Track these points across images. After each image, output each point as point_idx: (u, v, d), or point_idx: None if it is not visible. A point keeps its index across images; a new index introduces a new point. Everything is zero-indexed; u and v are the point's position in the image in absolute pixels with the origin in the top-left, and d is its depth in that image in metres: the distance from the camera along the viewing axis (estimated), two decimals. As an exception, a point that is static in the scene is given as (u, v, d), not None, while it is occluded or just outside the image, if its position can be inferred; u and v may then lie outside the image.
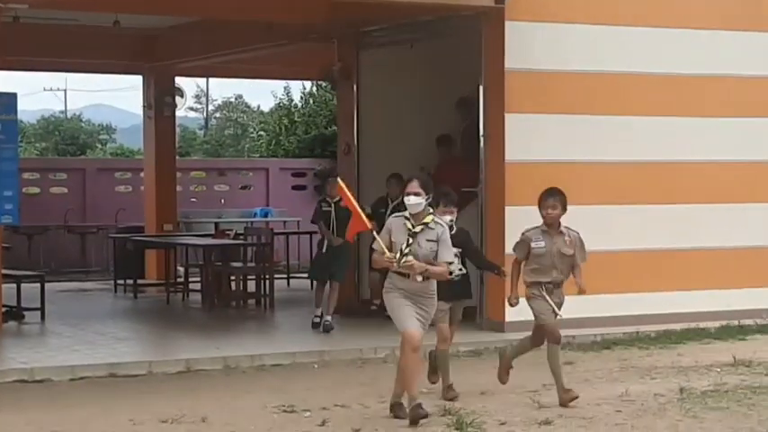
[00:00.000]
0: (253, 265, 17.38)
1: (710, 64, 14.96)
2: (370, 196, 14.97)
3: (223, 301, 16.66)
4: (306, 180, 23.97)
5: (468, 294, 10.69)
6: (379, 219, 13.77)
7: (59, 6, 14.66)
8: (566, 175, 13.60)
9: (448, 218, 9.96)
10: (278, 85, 31.51)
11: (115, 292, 18.66)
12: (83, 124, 53.43)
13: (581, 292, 10.08)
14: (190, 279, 17.89)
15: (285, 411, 9.64)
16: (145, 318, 16.49)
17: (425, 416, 9.08)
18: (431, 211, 9.39)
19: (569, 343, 13.07)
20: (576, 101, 14.26)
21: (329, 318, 14.07)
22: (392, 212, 13.79)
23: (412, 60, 16.04)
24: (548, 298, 10.02)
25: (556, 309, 10.05)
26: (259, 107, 50.99)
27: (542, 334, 10.19)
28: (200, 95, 60.18)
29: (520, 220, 13.33)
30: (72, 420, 9.41)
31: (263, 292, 16.56)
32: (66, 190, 23.05)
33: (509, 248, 13.57)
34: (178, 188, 21.42)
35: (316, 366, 12.06)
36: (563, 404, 9.81)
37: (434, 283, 9.34)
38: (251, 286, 16.99)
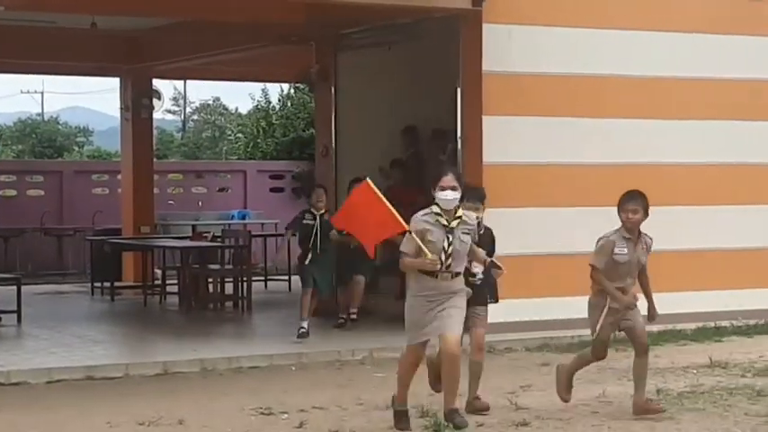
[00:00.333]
0: (230, 267, 17.35)
1: (688, 67, 15.00)
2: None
3: (200, 304, 16.63)
4: (284, 182, 23.97)
5: (486, 298, 9.99)
6: (307, 228, 13.72)
7: (36, 8, 14.61)
8: (543, 178, 13.66)
9: (474, 215, 9.40)
10: (256, 88, 31.49)
11: (92, 294, 18.60)
12: (60, 126, 53.31)
13: (650, 318, 9.65)
14: (167, 281, 17.85)
15: (262, 413, 9.63)
16: (122, 320, 16.44)
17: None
18: (458, 204, 8.93)
19: (547, 344, 13.11)
20: (554, 103, 14.29)
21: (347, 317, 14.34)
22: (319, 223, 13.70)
23: (390, 62, 16.05)
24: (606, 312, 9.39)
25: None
26: (237, 109, 50.96)
27: (604, 351, 9.70)
28: (178, 98, 60.04)
29: (497, 222, 13.38)
30: (49, 423, 9.37)
31: (240, 295, 16.52)
32: (42, 192, 23.00)
33: (486, 250, 13.67)
34: (155, 190, 21.38)
35: (293, 368, 12.05)
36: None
37: (462, 279, 8.94)
38: (228, 288, 16.96)
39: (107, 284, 18.22)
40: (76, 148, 49.35)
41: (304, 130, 26.02)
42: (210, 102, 57.68)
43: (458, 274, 8.82)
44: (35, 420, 9.42)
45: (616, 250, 9.31)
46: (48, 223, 22.09)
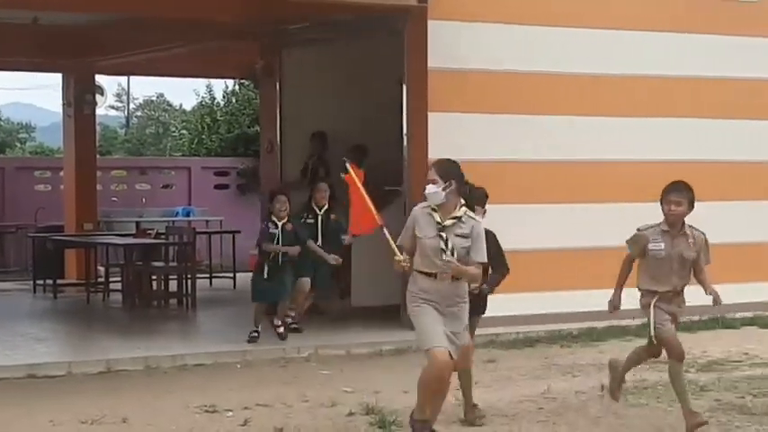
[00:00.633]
0: (174, 264, 17.24)
1: (634, 64, 15.10)
2: (294, 196, 14.89)
3: (144, 301, 16.50)
4: (229, 179, 23.84)
5: (484, 308, 9.52)
6: (309, 227, 13.46)
7: (-24, 3, 14.43)
8: (489, 174, 13.57)
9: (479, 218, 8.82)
10: (200, 84, 31.32)
11: (34, 292, 18.40)
12: (1, 123, 52.67)
13: (715, 302, 8.78)
14: (110, 279, 17.69)
15: (207, 411, 9.57)
16: (65, 318, 16.27)
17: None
18: (463, 202, 8.18)
19: (492, 341, 13.13)
20: (499, 100, 14.32)
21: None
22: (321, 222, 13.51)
23: (335, 58, 16.01)
24: (659, 310, 8.80)
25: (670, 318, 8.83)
26: (181, 106, 50.67)
27: (659, 347, 8.99)
28: (122, 94, 59.61)
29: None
30: (-11, 422, 9.27)
31: (184, 292, 16.43)
32: (-16, 189, 22.72)
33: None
34: (99, 187, 21.19)
35: (238, 366, 11.98)
36: (690, 430, 8.69)
37: (466, 285, 8.22)
38: (172, 286, 16.85)
39: (49, 282, 18.04)
40: (19, 145, 48.81)
41: (249, 127, 25.89)
42: (154, 98, 57.33)
43: (456, 276, 8.08)
44: (-24, 420, 9.31)
45: (650, 245, 8.74)
46: (-11, 220, 21.85)
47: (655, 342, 8.88)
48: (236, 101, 27.81)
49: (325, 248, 13.41)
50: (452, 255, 8.00)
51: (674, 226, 8.75)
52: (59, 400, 10.17)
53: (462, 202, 8.18)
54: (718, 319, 14.71)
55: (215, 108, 28.73)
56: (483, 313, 9.46)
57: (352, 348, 12.69)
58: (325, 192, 13.17)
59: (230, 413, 9.50)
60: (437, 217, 8.08)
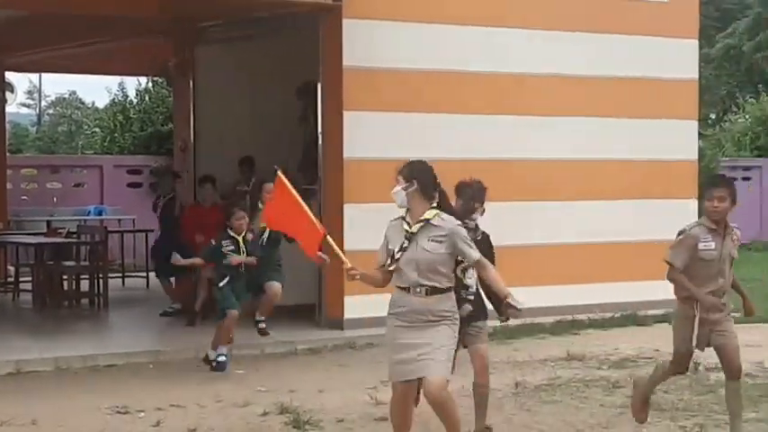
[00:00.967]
0: (86, 264, 17.02)
1: (539, 63, 15.19)
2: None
3: (55, 301, 16.26)
4: (141, 177, 23.57)
5: (485, 314, 8.65)
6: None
7: None
8: (403, 173, 13.65)
9: (475, 216, 8.37)
10: (113, 81, 31.01)
11: (-58, 292, 18.08)
12: None
13: (748, 312, 8.31)
14: (21, 278, 17.42)
15: (119, 412, 9.47)
16: (-27, 319, 16.01)
17: None
18: (434, 204, 7.40)
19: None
20: (413, 99, 14.33)
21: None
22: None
23: (250, 57, 15.92)
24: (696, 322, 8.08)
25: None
26: (94, 103, 50.08)
27: (685, 363, 8.44)
28: (33, 91, 58.72)
29: (358, 217, 13.42)
30: None
31: (96, 292, 16.23)
32: None
33: (348, 246, 13.62)
34: (8, 186, 20.86)
35: (151, 366, 11.86)
36: None
37: (449, 300, 7.36)
38: (84, 286, 16.64)
39: (-42, 282, 17.74)
40: (-74, 143, 47.96)
41: (162, 125, 25.65)
42: (66, 95, 56.59)
43: (434, 290, 7.26)
44: None
45: (700, 245, 8.04)
46: None
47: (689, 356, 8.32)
48: (150, 99, 27.54)
49: (246, 267, 11.96)
50: (398, 261, 7.29)
51: (720, 223, 8.12)
52: (-33, 402, 10.00)
53: (433, 204, 7.38)
54: (631, 317, 14.87)
55: (128, 106, 28.42)
56: (486, 318, 8.62)
57: (266, 348, 12.63)
58: (243, 218, 11.94)
59: (142, 414, 9.41)
60: (405, 224, 7.39)
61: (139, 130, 26.49)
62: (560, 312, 14.53)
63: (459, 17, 14.66)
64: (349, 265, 7.35)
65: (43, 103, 59.37)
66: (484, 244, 8.23)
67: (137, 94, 28.64)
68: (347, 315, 13.40)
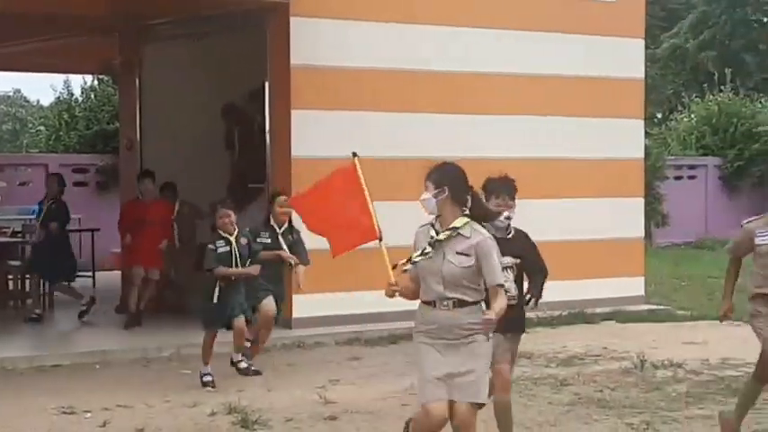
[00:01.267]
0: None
1: (489, 62, 15.23)
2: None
3: (0, 301, 16.10)
4: (87, 176, 23.41)
5: (523, 324, 8.07)
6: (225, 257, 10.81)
7: None
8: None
9: (505, 214, 7.81)
10: (58, 79, 30.70)
11: None
12: None
13: None
14: (-35, 279, 17.22)
15: (65, 413, 9.38)
16: None
17: None
18: (466, 211, 6.80)
19: (357, 339, 13.13)
20: (362, 97, 14.33)
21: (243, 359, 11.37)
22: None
23: (198, 55, 15.83)
24: None
25: None
26: (38, 102, 49.69)
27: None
28: (-24, 89, 58.24)
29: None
30: None
31: (42, 291, 16.06)
32: None
33: (295, 244, 13.57)
34: (-48, 185, 20.66)
35: (97, 366, 11.77)
36: None
37: (479, 312, 6.68)
38: (29, 285, 16.46)
39: None
40: None
41: (108, 123, 25.46)
42: (11, 93, 56.11)
43: (461, 303, 6.65)
44: None
45: (757, 240, 7.86)
46: None
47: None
48: (95, 97, 27.33)
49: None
50: (408, 266, 6.81)
51: None
52: None
53: (465, 210, 6.79)
54: (579, 315, 14.95)
55: (73, 104, 28.19)
56: (523, 331, 8.06)
57: (214, 347, 12.53)
58: (230, 216, 10.82)
59: (89, 414, 9.34)
60: (433, 231, 6.80)
61: (85, 129, 26.28)
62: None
63: (409, 16, 14.67)
64: (393, 281, 6.83)
65: (-13, 102, 58.83)
66: (519, 241, 7.88)
67: (82, 93, 28.41)
68: (295, 314, 13.36)
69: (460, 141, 14.95)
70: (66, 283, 15.08)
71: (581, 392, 10.28)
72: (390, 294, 6.84)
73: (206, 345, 10.81)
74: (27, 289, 16.31)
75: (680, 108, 35.46)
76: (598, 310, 15.13)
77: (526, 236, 8.03)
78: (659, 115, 36.28)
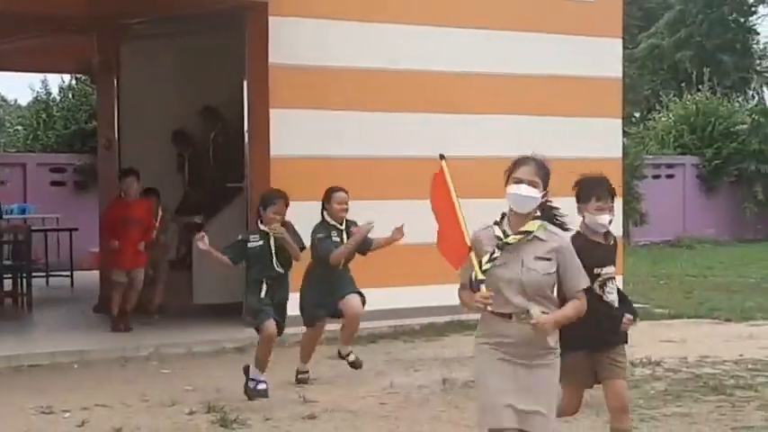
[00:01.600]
0: (9, 263, 16.78)
1: (467, 61, 15.24)
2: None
3: (-22, 301, 16.06)
4: (65, 176, 23.35)
5: (626, 334, 7.21)
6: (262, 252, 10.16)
7: None
8: (331, 171, 13.65)
9: (605, 218, 6.99)
10: (35, 79, 30.60)
11: None
12: None
13: None
14: (-58, 279, 17.16)
15: (43, 413, 9.35)
16: None
17: None
18: (538, 213, 6.18)
19: (336, 338, 13.11)
20: (341, 97, 14.33)
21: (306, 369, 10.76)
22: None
23: (176, 54, 15.82)
24: None
25: None
26: (16, 101, 49.48)
27: None
28: (-47, 89, 58.00)
29: (286, 216, 13.35)
30: None
31: (20, 291, 16.03)
32: None
33: (274, 244, 13.56)
34: (-71, 184, 20.57)
35: (76, 366, 11.74)
36: None
37: (557, 331, 6.06)
38: (7, 285, 16.41)
39: None
40: None
41: (86, 123, 25.41)
42: (-12, 93, 55.90)
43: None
44: None
45: None
46: None
47: None
48: (73, 96, 27.26)
49: (281, 270, 10.24)
50: (522, 291, 5.96)
51: None
52: None
53: (537, 212, 6.19)
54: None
55: (51, 103, 28.11)
56: (626, 342, 7.22)
57: (193, 347, 12.55)
58: (282, 208, 10.16)
59: (67, 414, 9.31)
60: (499, 231, 6.12)
61: (63, 128, 26.21)
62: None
63: (388, 15, 14.68)
64: (485, 293, 5.92)
65: (-36, 101, 58.58)
66: (612, 251, 7.18)
67: (60, 92, 28.33)
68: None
69: (440, 141, 14.93)
70: None
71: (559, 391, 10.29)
72: (483, 308, 5.93)
73: (261, 351, 10.05)
74: (5, 288, 16.29)
75: (658, 107, 35.63)
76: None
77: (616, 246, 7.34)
78: (637, 114, 36.41)
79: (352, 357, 10.92)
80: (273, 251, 10.08)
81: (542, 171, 6.16)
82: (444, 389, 10.35)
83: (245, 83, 14.12)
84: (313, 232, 10.62)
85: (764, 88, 42.50)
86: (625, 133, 20.48)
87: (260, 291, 10.07)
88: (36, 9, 14.78)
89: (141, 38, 15.99)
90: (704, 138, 30.94)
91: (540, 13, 15.88)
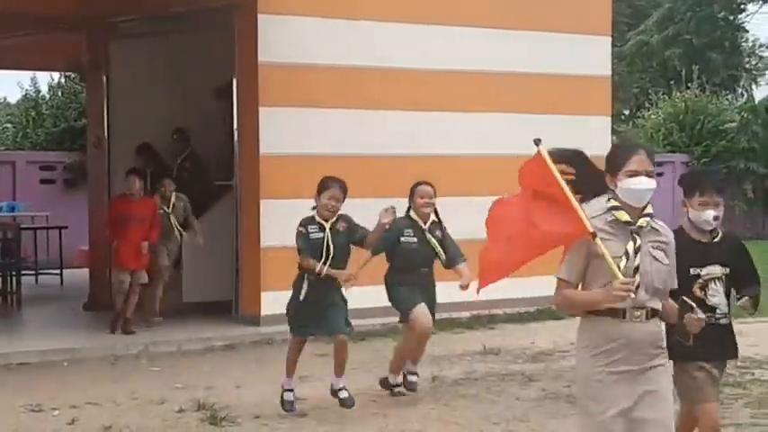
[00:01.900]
0: (-1, 260, 16.79)
1: (454, 59, 15.25)
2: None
3: (-33, 299, 16.05)
4: (55, 174, 23.31)
5: (736, 348, 6.81)
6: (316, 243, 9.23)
7: None
8: (320, 169, 13.56)
9: (711, 214, 6.46)
10: (25, 76, 30.56)
11: None
12: None
13: None
14: (-69, 277, 17.13)
15: (33, 411, 9.36)
16: None
17: None
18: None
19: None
20: (330, 95, 14.33)
21: (342, 385, 9.37)
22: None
23: (166, 52, 15.80)
24: None
25: None
26: (5, 99, 49.34)
27: None
28: (-58, 87, 57.86)
29: (275, 213, 13.39)
30: None
31: (9, 289, 16.02)
32: None
33: (264, 242, 13.62)
34: None
35: (65, 364, 11.73)
36: None
37: (662, 327, 5.46)
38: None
39: None
40: None
41: (76, 121, 25.38)
42: (-23, 91, 55.83)
43: (653, 313, 5.37)
44: None
45: None
46: None
47: None
48: (63, 94, 27.23)
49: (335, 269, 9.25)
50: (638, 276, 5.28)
51: None
52: None
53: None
54: (547, 311, 15.00)
55: (40, 101, 28.07)
56: (737, 355, 6.83)
57: (183, 344, 12.56)
58: (339, 196, 9.45)
59: (57, 412, 9.31)
60: (626, 216, 5.37)
61: (52, 126, 26.18)
62: (477, 307, 14.59)
63: (376, 13, 14.69)
64: (625, 279, 5.16)
65: (-47, 99, 58.44)
66: (728, 246, 6.65)
67: (49, 90, 28.29)
68: (264, 311, 13.36)
69: (428, 138, 15.00)
70: None
71: (549, 388, 10.34)
72: (627, 294, 5.16)
73: (290, 354, 9.52)
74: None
75: (647, 105, 35.66)
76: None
77: (736, 239, 6.75)
78: (626, 112, 36.48)
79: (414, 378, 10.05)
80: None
81: (652, 156, 5.47)
82: (434, 386, 10.37)
83: (234, 80, 14.12)
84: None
85: (753, 86, 42.56)
86: (614, 131, 20.51)
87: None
88: (26, 7, 14.76)
89: (131, 36, 15.97)
90: (693, 135, 30.96)
91: (528, 11, 15.90)
